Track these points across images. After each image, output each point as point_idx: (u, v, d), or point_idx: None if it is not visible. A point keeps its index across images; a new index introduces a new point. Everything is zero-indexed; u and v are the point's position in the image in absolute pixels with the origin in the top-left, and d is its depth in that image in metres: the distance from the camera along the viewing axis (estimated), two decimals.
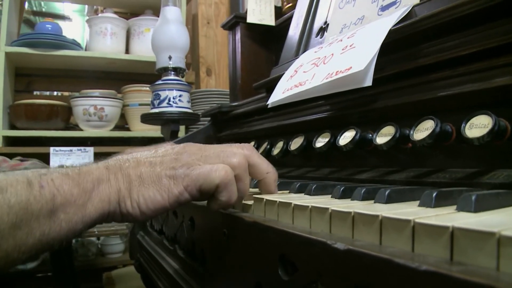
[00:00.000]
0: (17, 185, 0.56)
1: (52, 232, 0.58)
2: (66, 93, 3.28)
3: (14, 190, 0.55)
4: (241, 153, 0.71)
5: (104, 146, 2.67)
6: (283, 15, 1.67)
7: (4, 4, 2.58)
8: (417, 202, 0.53)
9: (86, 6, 3.48)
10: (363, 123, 0.90)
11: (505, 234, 0.32)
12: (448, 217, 0.42)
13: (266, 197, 0.67)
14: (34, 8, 4.35)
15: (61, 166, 0.66)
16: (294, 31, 1.37)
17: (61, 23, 3.39)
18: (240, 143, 1.34)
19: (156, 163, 0.68)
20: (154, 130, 2.65)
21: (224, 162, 0.68)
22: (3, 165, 1.46)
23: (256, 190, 0.82)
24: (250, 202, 0.72)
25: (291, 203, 0.59)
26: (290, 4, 1.67)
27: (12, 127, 2.65)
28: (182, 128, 2.68)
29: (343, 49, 0.93)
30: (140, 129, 2.74)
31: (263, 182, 0.77)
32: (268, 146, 1.18)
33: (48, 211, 0.57)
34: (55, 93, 3.39)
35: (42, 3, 3.37)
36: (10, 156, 2.60)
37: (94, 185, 0.63)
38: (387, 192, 0.56)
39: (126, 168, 0.67)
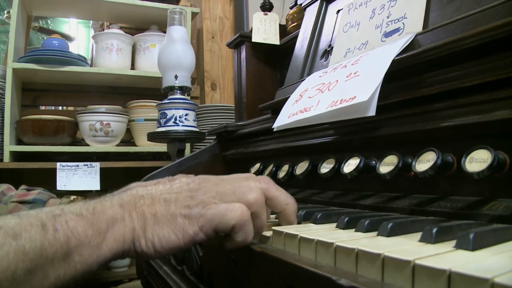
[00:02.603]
0: (31, 230, 0.55)
1: (67, 274, 0.58)
2: (71, 108, 3.31)
3: (28, 235, 0.54)
4: (258, 188, 0.70)
5: (110, 162, 2.68)
6: (288, 34, 1.70)
7: (12, 21, 2.61)
8: (419, 235, 0.55)
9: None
10: (367, 149, 0.93)
11: (498, 282, 0.34)
12: (446, 257, 0.44)
13: (274, 227, 0.69)
14: (41, 24, 4.40)
15: (68, 197, 0.65)
16: (299, 53, 1.39)
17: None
18: (246, 162, 1.37)
19: (171, 200, 0.67)
20: (159, 146, 2.66)
21: (240, 200, 0.67)
22: (8, 193, 1.47)
23: (272, 217, 0.83)
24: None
25: (297, 235, 0.62)
26: (295, 24, 1.70)
27: (19, 142, 2.66)
28: (187, 145, 2.69)
29: (347, 76, 0.96)
30: (146, 144, 2.75)
31: (283, 214, 0.75)
32: (274, 169, 1.20)
33: (63, 254, 0.57)
34: (60, 107, 3.42)
35: (49, 20, 3.41)
36: (18, 172, 2.63)
37: (108, 226, 0.63)
38: (389, 225, 0.58)
39: (140, 206, 0.66)
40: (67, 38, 4.65)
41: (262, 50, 1.76)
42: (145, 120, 2.78)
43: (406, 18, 0.96)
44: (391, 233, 0.58)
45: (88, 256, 0.60)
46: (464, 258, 0.44)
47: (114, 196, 0.68)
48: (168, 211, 0.66)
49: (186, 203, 0.66)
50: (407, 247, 0.50)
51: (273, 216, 0.85)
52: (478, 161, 0.64)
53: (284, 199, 0.74)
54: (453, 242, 0.50)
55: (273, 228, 0.69)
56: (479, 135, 0.71)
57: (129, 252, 0.65)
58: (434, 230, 0.52)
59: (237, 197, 0.67)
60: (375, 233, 0.60)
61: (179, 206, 0.66)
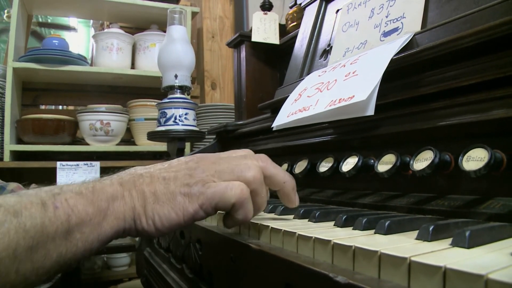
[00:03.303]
0: (31, 208, 0.56)
1: (68, 252, 0.58)
2: (71, 107, 3.32)
3: (28, 213, 0.55)
4: (256, 166, 0.71)
5: (110, 161, 2.69)
6: (287, 33, 1.70)
7: (12, 21, 2.62)
8: (416, 233, 0.55)
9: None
10: (365, 148, 0.93)
11: (492, 278, 0.35)
12: (442, 254, 0.45)
13: (272, 224, 0.70)
14: (40, 20, 4.40)
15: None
16: (298, 52, 1.40)
17: (66, 33, 3.43)
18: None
19: (170, 178, 0.67)
20: (159, 145, 2.67)
21: (239, 178, 0.68)
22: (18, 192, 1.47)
23: (271, 215, 0.84)
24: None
25: (295, 232, 0.62)
26: (295, 23, 1.70)
27: (19, 141, 2.67)
28: (187, 144, 2.70)
29: (346, 76, 0.96)
30: (146, 144, 2.76)
31: (282, 192, 0.76)
32: None
33: (64, 232, 0.58)
34: (60, 107, 3.43)
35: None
36: (18, 171, 2.63)
37: (109, 203, 0.63)
38: (387, 223, 0.59)
39: (140, 184, 0.66)
40: (67, 28, 4.65)
41: (261, 50, 1.77)
42: (145, 119, 2.79)
43: (405, 17, 0.97)
44: (388, 231, 0.59)
45: (89, 233, 0.60)
46: (459, 255, 0.45)
47: (113, 175, 0.69)
48: (167, 189, 0.66)
49: (186, 181, 0.67)
50: (403, 245, 0.50)
51: (269, 215, 0.85)
52: (475, 159, 0.64)
53: (282, 177, 0.75)
54: (450, 240, 0.50)
55: (272, 226, 0.69)
56: (477, 134, 0.71)
57: (130, 231, 0.66)
58: (431, 228, 0.53)
59: (235, 175, 0.68)
60: (373, 231, 0.61)
61: (178, 185, 0.66)
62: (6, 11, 4.39)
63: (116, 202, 0.64)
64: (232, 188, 0.66)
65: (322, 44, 1.31)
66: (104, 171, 2.61)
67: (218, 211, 0.70)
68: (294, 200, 0.78)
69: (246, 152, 0.76)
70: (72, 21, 4.90)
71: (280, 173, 0.75)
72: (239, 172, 0.68)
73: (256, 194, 0.70)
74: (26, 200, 0.57)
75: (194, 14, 3.13)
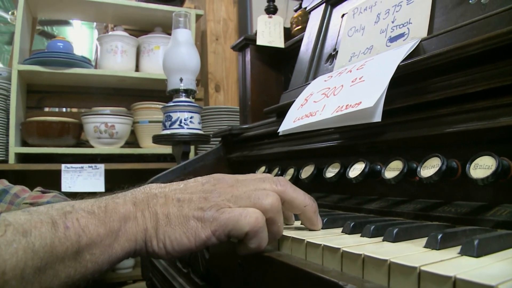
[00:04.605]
0: (42, 227, 0.54)
1: (77, 273, 0.57)
2: (75, 110, 3.32)
3: (38, 232, 0.54)
4: (274, 193, 0.67)
5: (114, 163, 2.69)
6: (292, 37, 1.71)
7: (17, 23, 2.62)
8: (424, 240, 0.56)
9: None
10: (372, 153, 0.94)
11: None
12: (451, 263, 0.45)
13: None
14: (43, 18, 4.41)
15: (86, 199, 0.64)
16: (304, 56, 1.40)
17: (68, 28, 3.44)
18: (251, 165, 1.38)
19: (185, 200, 0.66)
20: (164, 148, 2.67)
21: (255, 205, 0.65)
22: (22, 195, 1.46)
23: None
24: None
25: (304, 239, 0.63)
26: (300, 27, 1.70)
27: (24, 143, 2.68)
28: (192, 147, 2.70)
29: (352, 81, 0.96)
30: (150, 146, 2.76)
31: (303, 216, 0.73)
32: (279, 172, 1.21)
33: (74, 252, 0.57)
34: (64, 109, 3.43)
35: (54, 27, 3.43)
36: (22, 173, 2.64)
37: (121, 224, 0.62)
38: (395, 231, 0.59)
39: (153, 205, 0.65)
40: (66, 23, 4.67)
41: (266, 53, 1.77)
42: (150, 122, 2.79)
43: (411, 23, 0.97)
44: (396, 239, 0.59)
45: (99, 255, 0.59)
46: (468, 264, 0.45)
47: (127, 193, 0.68)
48: (181, 212, 0.65)
49: (200, 205, 0.65)
50: (412, 253, 0.50)
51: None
52: (482, 167, 0.64)
53: (302, 200, 0.72)
54: (458, 248, 0.50)
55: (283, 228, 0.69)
56: (484, 141, 0.71)
57: (141, 252, 0.64)
58: (439, 237, 0.53)
59: (252, 202, 0.66)
60: (381, 238, 0.61)
61: (192, 208, 0.65)
62: (10, 12, 4.40)
63: (129, 223, 0.63)
64: (246, 216, 0.63)
65: (328, 49, 1.31)
66: (109, 174, 2.62)
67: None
68: (317, 223, 0.74)
69: (265, 175, 0.74)
70: (75, 24, 4.91)
71: (300, 196, 0.72)
72: (256, 199, 0.66)
73: (272, 223, 0.67)
74: (37, 218, 0.56)
75: (198, 16, 3.13)
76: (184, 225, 0.64)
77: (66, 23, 4.84)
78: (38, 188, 1.58)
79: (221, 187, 0.68)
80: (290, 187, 0.71)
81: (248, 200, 0.66)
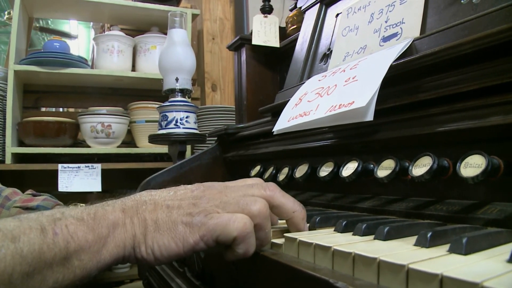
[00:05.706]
0: (30, 233, 0.55)
1: (66, 279, 0.58)
2: (72, 110, 3.32)
3: (27, 238, 0.54)
4: (262, 199, 0.68)
5: (111, 163, 2.69)
6: (287, 36, 1.71)
7: (13, 23, 2.62)
8: (414, 238, 0.56)
9: None
10: (365, 152, 0.95)
11: (487, 286, 0.36)
12: (440, 261, 0.46)
13: (273, 230, 0.71)
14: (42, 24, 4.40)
15: (76, 204, 0.64)
16: (299, 56, 1.41)
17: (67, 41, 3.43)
18: (246, 164, 1.38)
19: (174, 207, 0.66)
20: (160, 147, 2.67)
21: (243, 211, 0.65)
22: (13, 198, 1.46)
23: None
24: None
25: (296, 238, 0.63)
26: (295, 26, 1.71)
27: (21, 143, 2.67)
28: (188, 146, 2.70)
29: (346, 81, 0.97)
30: (147, 146, 2.76)
31: (291, 222, 0.73)
32: (274, 172, 1.21)
33: (62, 258, 0.57)
34: (61, 109, 3.44)
35: (49, 21, 3.42)
36: (19, 173, 2.64)
37: (109, 231, 0.62)
38: (386, 230, 0.60)
39: (143, 211, 0.65)
40: (68, 36, 4.66)
41: (262, 53, 1.77)
42: (146, 121, 2.80)
43: (404, 23, 0.98)
44: (387, 237, 0.60)
45: (87, 261, 0.60)
46: (456, 262, 0.46)
47: (117, 201, 0.68)
48: (169, 218, 0.65)
49: (189, 210, 0.65)
50: (402, 251, 0.51)
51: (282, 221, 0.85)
52: (472, 166, 0.65)
53: (291, 206, 0.72)
54: (447, 246, 0.51)
55: (272, 230, 0.70)
56: (474, 140, 0.72)
57: (130, 258, 0.65)
58: (429, 235, 0.54)
59: (240, 208, 0.66)
60: (372, 236, 0.62)
61: (181, 213, 0.65)
62: (7, 12, 4.40)
63: (117, 230, 0.63)
64: (235, 221, 0.63)
65: (322, 48, 1.32)
66: (106, 173, 2.63)
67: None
68: (303, 231, 0.73)
69: (255, 181, 0.74)
70: (72, 23, 4.90)
71: (289, 202, 0.72)
72: (244, 205, 0.66)
73: (259, 229, 0.66)
74: (26, 225, 0.56)
75: (194, 16, 3.14)
76: (172, 231, 0.64)
77: (68, 35, 4.85)
78: (29, 191, 1.59)
79: (210, 194, 0.69)
80: (279, 192, 0.71)
81: (237, 205, 0.66)
